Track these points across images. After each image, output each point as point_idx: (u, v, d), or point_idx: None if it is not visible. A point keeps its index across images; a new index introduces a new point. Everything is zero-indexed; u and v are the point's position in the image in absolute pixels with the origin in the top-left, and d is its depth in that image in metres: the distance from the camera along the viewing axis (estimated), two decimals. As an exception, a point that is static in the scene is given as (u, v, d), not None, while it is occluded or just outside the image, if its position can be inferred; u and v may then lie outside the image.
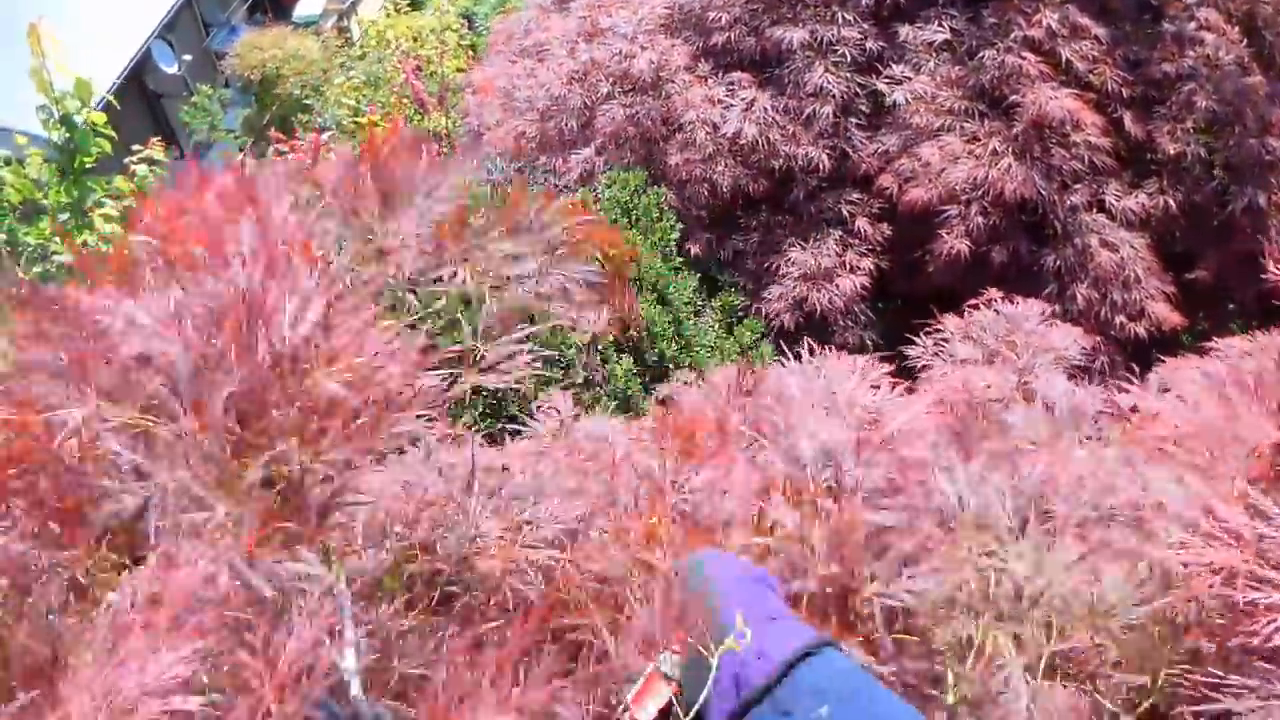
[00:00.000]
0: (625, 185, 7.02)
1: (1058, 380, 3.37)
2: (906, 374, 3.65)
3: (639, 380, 6.23)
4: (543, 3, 8.93)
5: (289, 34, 15.99)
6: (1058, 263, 6.88)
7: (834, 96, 7.01)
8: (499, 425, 5.75)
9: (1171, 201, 6.97)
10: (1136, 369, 3.38)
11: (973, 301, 3.71)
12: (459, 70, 13.30)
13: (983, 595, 1.56)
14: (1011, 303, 3.70)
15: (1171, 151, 6.93)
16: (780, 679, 1.31)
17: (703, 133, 7.14)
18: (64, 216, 5.32)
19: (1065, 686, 1.73)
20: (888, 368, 2.68)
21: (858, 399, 2.56)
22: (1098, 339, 6.35)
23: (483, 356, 1.59)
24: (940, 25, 7.05)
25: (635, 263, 6.57)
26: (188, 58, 16.23)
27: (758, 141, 7.02)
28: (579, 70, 7.52)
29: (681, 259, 7.20)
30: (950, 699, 1.56)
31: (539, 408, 2.96)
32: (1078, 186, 6.94)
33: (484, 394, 5.88)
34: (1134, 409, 2.97)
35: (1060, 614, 1.56)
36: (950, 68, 7.04)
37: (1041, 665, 1.55)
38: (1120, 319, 6.71)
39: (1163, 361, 3.32)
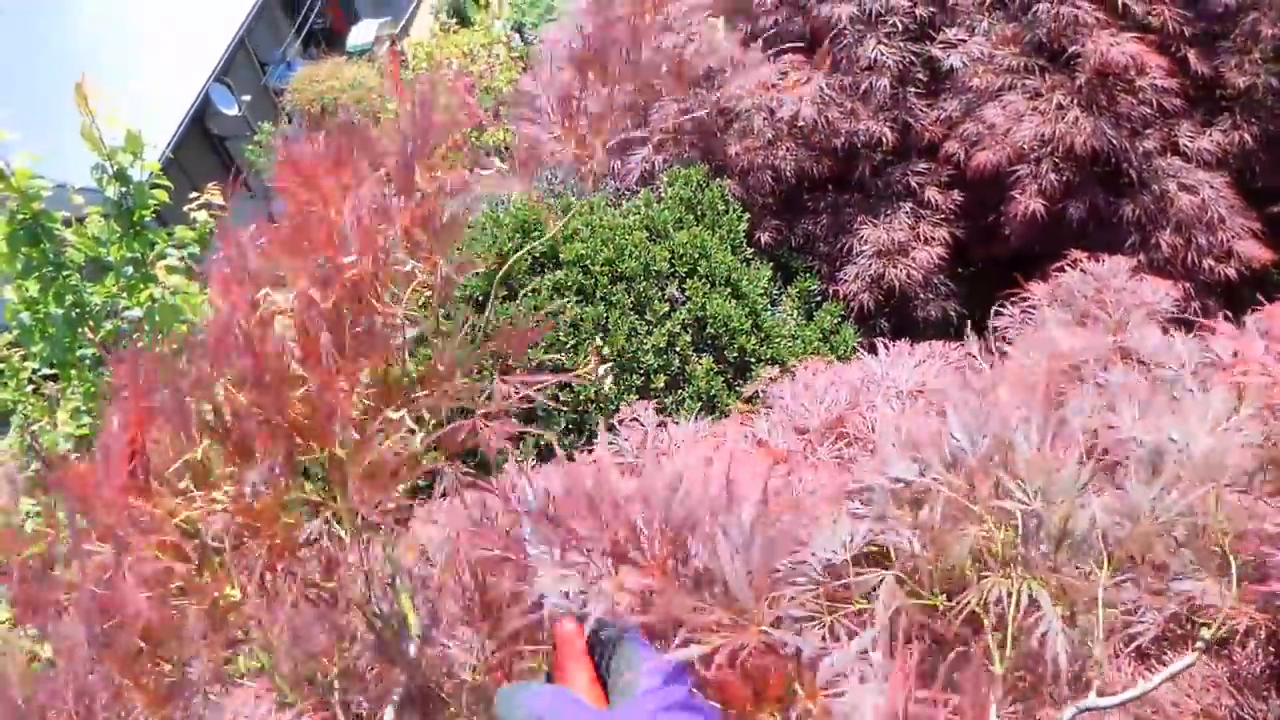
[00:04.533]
0: (687, 181, 6.99)
1: (1152, 334, 3.29)
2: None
3: (721, 378, 6.20)
4: (586, 7, 8.89)
5: (344, 64, 16.22)
6: (1137, 212, 6.73)
7: (889, 68, 6.92)
8: (582, 441, 5.76)
9: (1247, 136, 6.80)
10: (1232, 315, 3.27)
11: (1057, 265, 3.65)
12: (510, 82, 13.36)
13: (1009, 543, 1.43)
14: (1098, 261, 3.63)
15: (1241, 85, 6.75)
16: None
17: (760, 119, 7.09)
18: (128, 271, 5.38)
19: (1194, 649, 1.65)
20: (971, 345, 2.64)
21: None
22: (1186, 286, 6.19)
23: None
24: (990, -17, 6.94)
25: (705, 258, 6.53)
26: (247, 98, 16.50)
27: (817, 122, 6.94)
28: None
29: (752, 249, 7.15)
30: (998, 668, 1.43)
31: (621, 421, 2.89)
32: (1149, 132, 6.78)
33: (567, 406, 5.89)
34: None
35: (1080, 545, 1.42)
36: (1005, 25, 6.92)
37: (1101, 613, 1.40)
38: (1208, 262, 6.55)
39: (1260, 305, 3.21)
